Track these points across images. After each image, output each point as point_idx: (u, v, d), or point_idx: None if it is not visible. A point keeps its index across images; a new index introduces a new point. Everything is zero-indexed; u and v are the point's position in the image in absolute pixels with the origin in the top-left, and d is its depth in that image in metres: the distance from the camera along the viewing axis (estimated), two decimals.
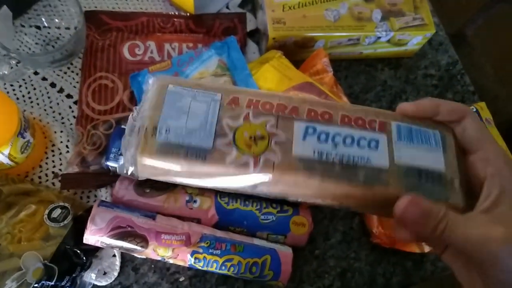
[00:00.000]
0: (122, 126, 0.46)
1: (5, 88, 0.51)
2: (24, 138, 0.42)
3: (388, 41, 0.56)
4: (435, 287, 0.55)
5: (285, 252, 0.43)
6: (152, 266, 0.46)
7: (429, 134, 0.30)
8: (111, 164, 0.43)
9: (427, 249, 0.48)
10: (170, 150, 0.27)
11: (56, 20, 0.53)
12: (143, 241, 0.40)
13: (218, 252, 0.41)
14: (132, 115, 0.28)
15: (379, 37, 0.55)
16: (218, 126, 0.27)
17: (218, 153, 0.27)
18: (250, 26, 0.57)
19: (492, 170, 0.27)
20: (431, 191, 0.29)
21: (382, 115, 0.30)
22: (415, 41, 0.56)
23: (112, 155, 0.43)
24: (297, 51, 0.55)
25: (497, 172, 0.27)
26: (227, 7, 0.59)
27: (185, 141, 0.27)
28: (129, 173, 0.28)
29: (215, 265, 0.41)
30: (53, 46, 0.53)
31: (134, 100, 0.49)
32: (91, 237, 0.40)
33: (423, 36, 0.56)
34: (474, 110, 0.55)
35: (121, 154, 0.43)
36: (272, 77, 0.49)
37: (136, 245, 0.40)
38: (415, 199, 0.27)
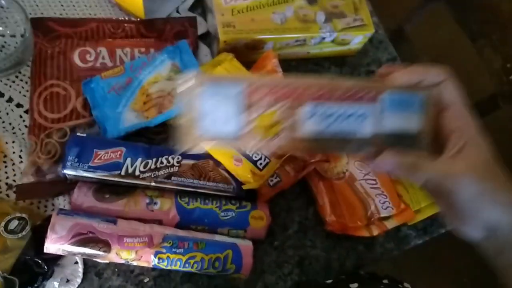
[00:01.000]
0: (78, 134, 0.46)
1: None
2: None
3: (333, 41, 0.59)
4: (384, 267, 0.60)
5: (246, 245, 0.45)
6: (116, 269, 0.46)
7: (416, 98, 0.35)
8: (68, 172, 0.43)
9: (375, 232, 0.52)
10: (211, 139, 0.34)
11: (0, 28, 0.51)
12: (106, 246, 0.41)
13: (181, 250, 0.43)
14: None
15: (324, 38, 0.58)
16: (243, 116, 0.34)
17: (245, 139, 0.34)
18: (201, 30, 0.58)
19: (459, 124, 0.33)
20: (406, 147, 0.35)
21: (375, 87, 0.35)
22: (356, 40, 0.60)
23: (69, 163, 0.43)
24: (248, 53, 0.57)
25: (464, 127, 0.33)
26: (177, 11, 0.59)
27: (219, 134, 0.34)
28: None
29: (178, 263, 0.43)
30: None
31: (87, 107, 0.49)
32: (52, 246, 0.40)
33: (364, 35, 0.60)
34: None
35: (78, 162, 0.43)
36: None
37: (99, 250, 0.41)
38: (391, 153, 0.34)
